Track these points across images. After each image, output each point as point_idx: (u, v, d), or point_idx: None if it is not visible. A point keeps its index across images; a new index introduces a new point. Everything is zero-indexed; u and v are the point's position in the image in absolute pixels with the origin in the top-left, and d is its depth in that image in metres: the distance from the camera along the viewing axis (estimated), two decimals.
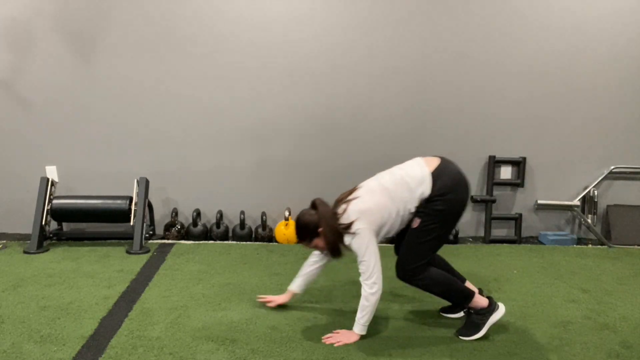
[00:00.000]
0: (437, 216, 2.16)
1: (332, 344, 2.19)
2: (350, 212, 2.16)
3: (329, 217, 2.18)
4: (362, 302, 2.19)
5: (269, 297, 2.58)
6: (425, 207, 2.17)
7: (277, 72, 3.75)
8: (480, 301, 2.27)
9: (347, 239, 2.16)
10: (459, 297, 2.28)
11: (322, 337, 2.25)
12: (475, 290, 2.35)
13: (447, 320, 2.46)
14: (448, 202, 2.15)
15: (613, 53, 3.80)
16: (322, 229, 2.18)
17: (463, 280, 2.47)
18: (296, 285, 2.50)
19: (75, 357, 2.07)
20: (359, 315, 2.21)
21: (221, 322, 2.39)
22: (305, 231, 2.23)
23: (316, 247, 2.28)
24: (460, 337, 2.27)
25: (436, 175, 2.17)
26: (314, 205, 2.26)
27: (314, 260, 2.45)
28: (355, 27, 3.71)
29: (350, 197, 2.21)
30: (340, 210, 2.19)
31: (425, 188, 2.15)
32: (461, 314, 2.44)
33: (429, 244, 2.20)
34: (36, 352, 2.10)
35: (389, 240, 2.43)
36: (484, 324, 2.25)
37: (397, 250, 2.42)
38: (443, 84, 3.81)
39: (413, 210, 2.19)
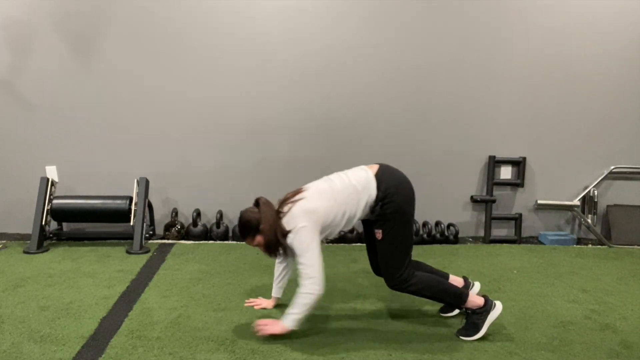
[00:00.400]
0: (393, 219, 2.21)
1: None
2: (295, 212, 2.17)
3: (270, 215, 2.20)
4: (300, 299, 2.14)
5: (257, 300, 2.61)
6: (379, 215, 2.22)
7: (277, 72, 3.75)
8: (476, 300, 2.27)
9: (289, 238, 2.16)
10: (452, 298, 2.29)
11: (255, 323, 2.24)
12: (461, 280, 2.44)
13: (447, 320, 2.46)
14: (396, 203, 2.21)
15: (613, 53, 3.80)
16: (263, 226, 2.19)
17: (447, 276, 2.49)
18: (275, 291, 2.56)
19: (75, 357, 2.07)
20: (293, 310, 2.16)
21: (221, 322, 2.39)
22: (247, 229, 2.25)
23: (259, 245, 2.27)
24: (461, 338, 2.27)
25: (379, 177, 2.25)
26: (257, 203, 2.28)
27: (279, 262, 2.49)
28: (356, 27, 3.71)
29: (296, 198, 2.23)
30: (285, 209, 2.21)
31: (371, 190, 2.22)
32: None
33: (400, 247, 2.24)
34: (36, 352, 2.10)
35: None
36: (482, 323, 2.25)
37: (373, 267, 2.47)
38: (443, 84, 3.81)
39: (359, 214, 2.24)
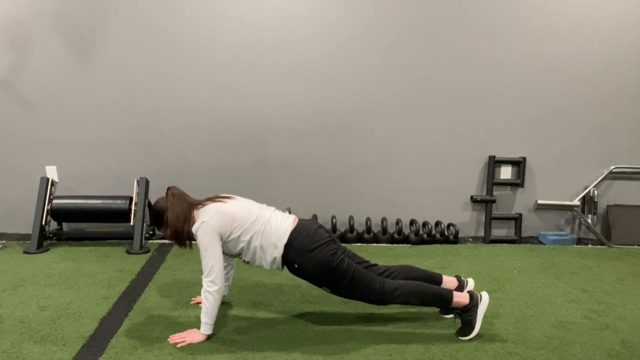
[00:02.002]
0: (316, 266, 2.21)
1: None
2: (209, 208, 2.21)
3: (177, 204, 2.23)
4: (203, 301, 2.17)
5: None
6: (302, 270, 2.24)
7: (277, 72, 3.75)
8: (462, 299, 2.27)
9: (194, 228, 2.19)
10: (439, 302, 2.29)
11: (169, 338, 2.22)
12: (454, 280, 2.45)
13: (447, 320, 2.46)
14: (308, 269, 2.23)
15: (613, 53, 3.79)
16: (170, 215, 2.21)
17: (438, 278, 2.46)
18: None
19: (75, 357, 2.07)
20: (203, 316, 2.18)
21: (221, 322, 2.39)
22: (157, 217, 2.28)
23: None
24: (461, 338, 2.27)
25: (293, 235, 2.22)
26: (167, 192, 2.31)
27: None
28: (355, 26, 3.71)
29: (220, 198, 2.28)
30: (204, 203, 2.26)
31: (278, 248, 2.22)
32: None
33: (349, 277, 2.22)
34: (36, 352, 2.10)
35: None
36: (475, 319, 2.26)
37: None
38: (443, 84, 3.81)
39: (270, 258, 2.24)
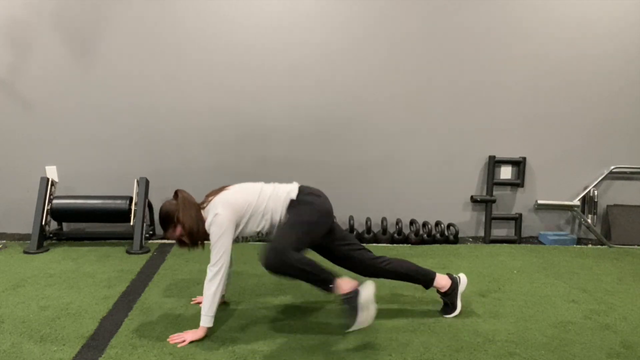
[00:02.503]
0: (315, 212, 2.27)
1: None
2: (215, 201, 2.24)
3: (188, 204, 2.24)
4: (205, 292, 2.18)
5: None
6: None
7: (277, 71, 3.75)
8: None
9: (207, 224, 2.22)
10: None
11: (169, 338, 2.22)
12: (446, 277, 2.48)
13: (447, 320, 2.46)
14: (313, 204, 2.29)
15: (613, 53, 3.80)
16: (182, 215, 2.22)
17: (432, 274, 2.47)
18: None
19: (75, 357, 2.07)
20: (204, 308, 2.19)
21: (221, 321, 2.39)
22: (167, 220, 2.28)
23: (180, 237, 2.30)
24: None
25: (303, 187, 2.36)
26: (175, 194, 2.32)
27: None
28: (355, 27, 3.71)
29: (216, 192, 2.31)
30: (206, 201, 2.29)
31: (292, 194, 2.30)
32: (457, 311, 2.49)
33: (304, 233, 2.24)
34: (36, 352, 2.10)
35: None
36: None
37: (353, 268, 2.45)
38: (443, 84, 3.81)
39: (277, 216, 2.28)
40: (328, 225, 2.33)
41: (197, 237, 2.26)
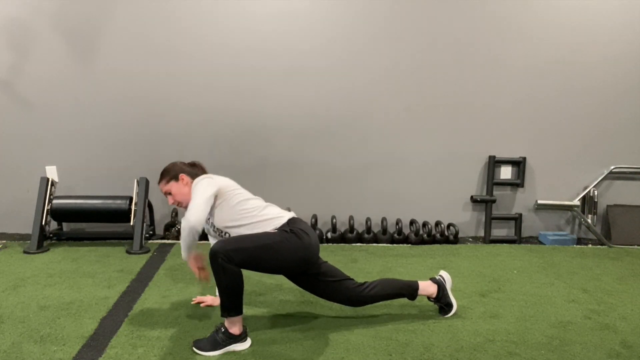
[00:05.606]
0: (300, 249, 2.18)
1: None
2: (202, 176, 2.31)
3: (196, 171, 2.40)
4: (181, 232, 2.18)
5: (204, 298, 2.60)
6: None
7: (277, 71, 3.75)
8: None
9: (193, 184, 2.26)
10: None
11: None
12: (429, 283, 2.47)
13: (447, 320, 2.46)
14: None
15: (613, 53, 3.80)
16: (185, 176, 2.32)
17: (415, 285, 2.44)
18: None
19: (75, 357, 2.07)
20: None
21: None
22: (171, 172, 2.36)
23: (169, 193, 2.34)
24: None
25: (292, 220, 2.25)
26: (194, 164, 2.48)
27: (212, 237, 2.46)
28: (355, 26, 3.71)
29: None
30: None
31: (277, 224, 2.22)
32: (454, 309, 2.50)
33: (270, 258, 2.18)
34: (36, 352, 2.10)
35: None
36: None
37: (329, 297, 2.37)
38: (443, 84, 3.81)
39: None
40: (301, 269, 2.25)
41: (182, 205, 2.33)
